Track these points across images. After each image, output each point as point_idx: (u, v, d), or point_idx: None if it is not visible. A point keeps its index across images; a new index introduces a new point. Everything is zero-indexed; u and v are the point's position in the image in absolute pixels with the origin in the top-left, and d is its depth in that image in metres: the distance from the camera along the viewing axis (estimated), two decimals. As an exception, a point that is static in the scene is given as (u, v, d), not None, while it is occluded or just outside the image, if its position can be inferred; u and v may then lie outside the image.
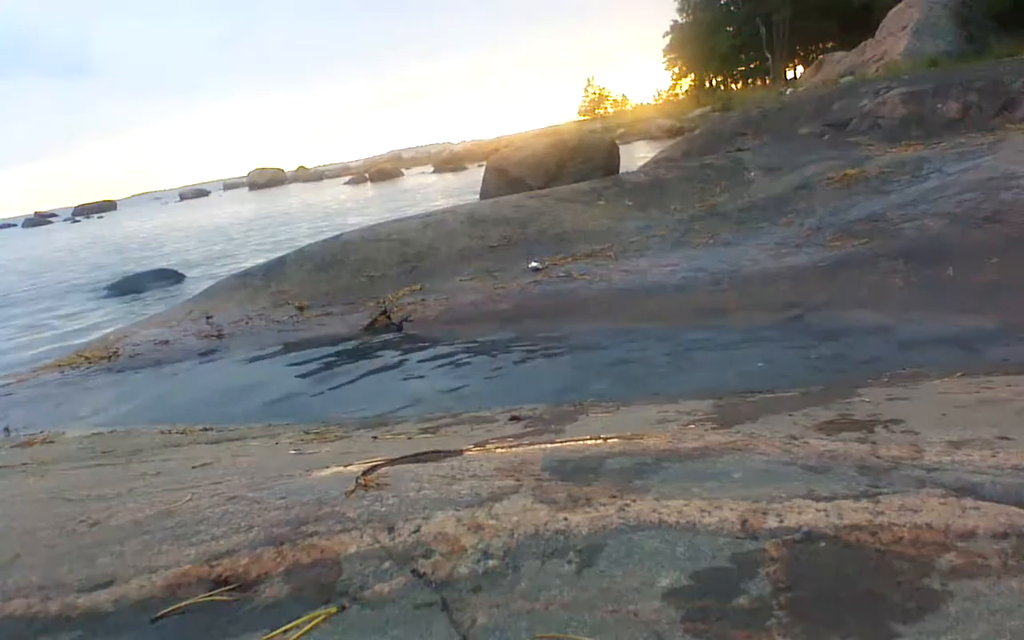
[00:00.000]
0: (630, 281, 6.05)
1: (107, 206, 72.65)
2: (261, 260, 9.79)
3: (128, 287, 12.62)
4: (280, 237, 18.06)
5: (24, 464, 3.21)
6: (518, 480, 1.63)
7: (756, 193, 8.25)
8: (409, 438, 2.97)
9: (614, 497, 1.47)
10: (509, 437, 2.56)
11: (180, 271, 13.72)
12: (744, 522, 1.31)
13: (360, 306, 6.85)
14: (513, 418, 3.21)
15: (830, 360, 4.12)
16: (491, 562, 1.29)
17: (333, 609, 1.22)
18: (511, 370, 4.95)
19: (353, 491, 1.67)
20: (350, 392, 4.89)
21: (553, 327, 5.53)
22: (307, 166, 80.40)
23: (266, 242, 17.43)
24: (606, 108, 71.38)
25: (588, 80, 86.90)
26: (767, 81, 38.71)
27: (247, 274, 8.45)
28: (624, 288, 5.90)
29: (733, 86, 44.40)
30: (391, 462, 1.94)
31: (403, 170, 52.71)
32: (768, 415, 2.43)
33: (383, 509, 1.54)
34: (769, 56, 37.95)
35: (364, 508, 1.56)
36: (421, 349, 5.59)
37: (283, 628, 1.18)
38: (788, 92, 21.69)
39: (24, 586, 1.46)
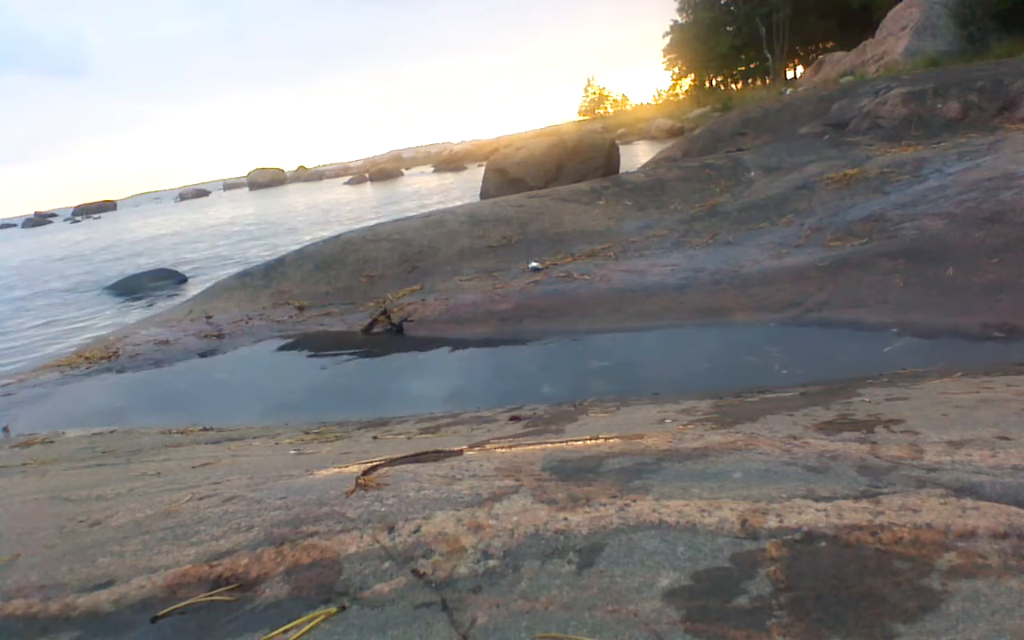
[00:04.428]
0: (630, 281, 6.05)
1: (107, 206, 72.67)
2: (261, 260, 9.79)
3: (128, 287, 12.61)
4: (280, 237, 18.06)
5: (24, 464, 3.21)
6: (518, 480, 1.63)
7: (756, 193, 8.24)
8: (409, 438, 2.97)
9: (614, 497, 1.47)
10: (509, 437, 2.56)
11: (180, 271, 13.71)
12: (744, 522, 1.31)
13: (360, 306, 6.85)
14: (513, 418, 3.21)
15: (830, 359, 4.13)
16: (491, 562, 1.29)
17: (333, 609, 1.22)
18: (511, 370, 4.95)
19: (353, 491, 1.67)
20: (350, 392, 4.89)
21: (553, 327, 5.53)
22: (307, 166, 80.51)
23: (266, 242, 17.43)
24: (606, 108, 71.51)
25: (588, 80, 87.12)
26: (767, 81, 38.72)
27: (247, 274, 8.45)
28: (624, 288, 5.90)
29: (733, 86, 44.40)
30: (391, 462, 1.94)
31: (403, 170, 52.67)
32: (768, 415, 2.43)
33: (383, 509, 1.54)
34: (769, 56, 37.95)
35: (364, 508, 1.56)
36: (421, 349, 5.59)
37: (283, 628, 1.18)
38: (788, 92, 21.70)
39: (24, 586, 1.46)
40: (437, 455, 1.99)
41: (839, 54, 23.26)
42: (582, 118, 67.72)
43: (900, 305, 4.59)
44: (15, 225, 72.28)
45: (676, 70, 52.83)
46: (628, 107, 69.19)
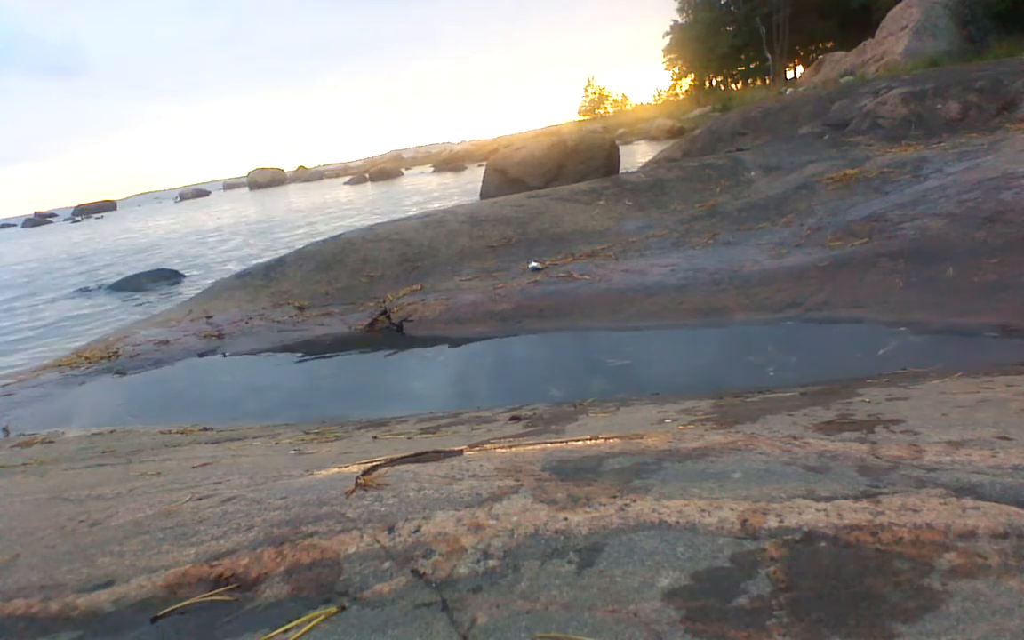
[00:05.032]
0: (630, 281, 6.05)
1: (107, 206, 72.68)
2: (261, 260, 9.79)
3: (128, 287, 12.62)
4: (281, 236, 18.06)
5: (24, 464, 3.20)
6: (518, 480, 1.63)
7: (756, 193, 8.25)
8: (409, 438, 2.97)
9: (614, 497, 1.47)
10: (509, 437, 2.56)
11: (180, 271, 13.72)
12: (744, 522, 1.31)
13: (360, 306, 6.85)
14: (513, 418, 3.21)
15: (830, 359, 4.13)
16: (491, 562, 1.29)
17: (333, 609, 1.22)
18: (511, 370, 4.95)
19: (353, 491, 1.67)
20: (350, 392, 4.89)
21: (553, 327, 5.53)
22: (307, 166, 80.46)
23: (267, 242, 17.43)
24: (606, 108, 71.51)
25: (588, 80, 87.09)
26: (767, 81, 38.70)
27: (247, 274, 8.45)
28: (624, 288, 5.90)
29: (733, 86, 44.37)
30: (391, 462, 1.94)
31: (403, 170, 52.68)
32: (768, 415, 2.43)
33: (383, 509, 1.54)
34: (769, 56, 37.94)
35: (364, 508, 1.56)
36: (421, 349, 5.59)
37: (283, 628, 1.18)
38: (788, 92, 21.69)
39: (24, 586, 1.46)
40: (437, 455, 1.99)
41: (839, 54, 23.26)
42: (582, 118, 67.72)
43: (900, 305, 4.59)
44: (15, 225, 72.29)
45: (676, 70, 52.83)
46: (628, 107, 69.23)
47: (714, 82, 47.72)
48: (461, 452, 2.04)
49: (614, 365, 4.69)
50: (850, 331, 4.49)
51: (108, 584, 1.42)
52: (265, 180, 65.59)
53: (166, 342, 6.40)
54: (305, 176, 71.57)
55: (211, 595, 1.33)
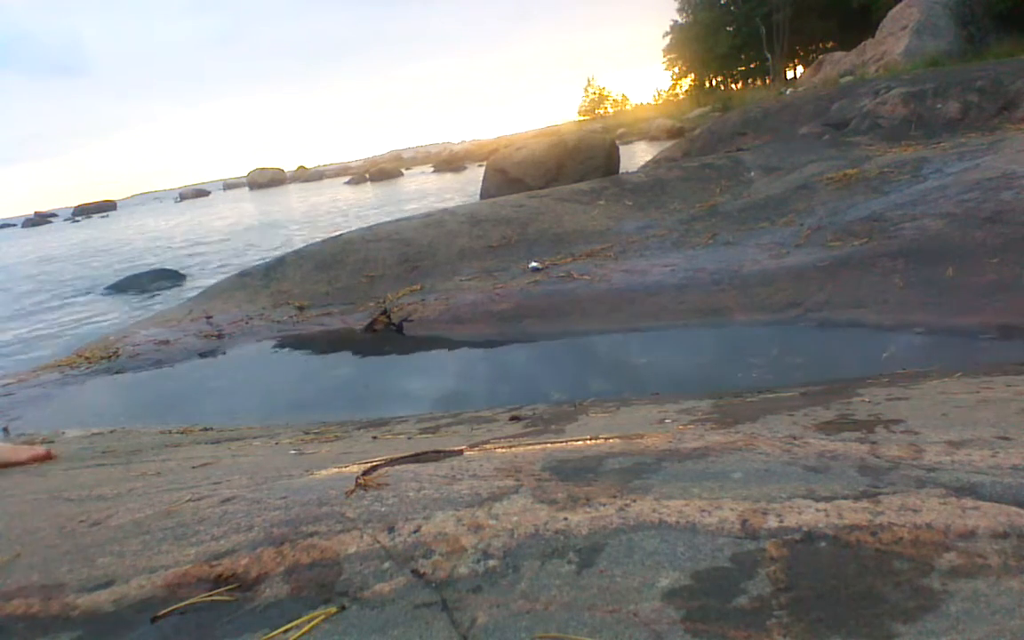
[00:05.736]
0: (630, 281, 6.05)
1: (107, 206, 72.74)
2: (261, 260, 9.79)
3: (128, 287, 12.62)
4: (281, 236, 18.06)
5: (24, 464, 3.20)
6: (518, 480, 1.63)
7: (756, 193, 8.25)
8: (409, 438, 2.97)
9: (614, 497, 1.47)
10: (509, 437, 2.56)
11: (180, 271, 13.72)
12: (744, 522, 1.31)
13: (360, 306, 6.85)
14: (513, 418, 3.21)
15: (830, 359, 4.13)
16: (491, 562, 1.29)
17: (333, 609, 1.22)
18: (511, 370, 4.95)
19: (353, 491, 1.67)
20: (350, 392, 4.89)
21: (553, 327, 5.53)
22: (307, 166, 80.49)
23: (267, 242, 17.43)
24: (606, 108, 71.64)
25: (588, 80, 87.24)
26: (767, 81, 38.71)
27: (247, 274, 8.44)
28: (624, 288, 5.90)
29: (733, 86, 44.39)
30: (391, 462, 1.94)
31: (403, 170, 52.70)
32: (768, 415, 2.43)
33: (383, 509, 1.54)
34: (769, 56, 37.95)
35: (364, 508, 1.56)
36: (421, 349, 5.59)
37: (283, 628, 1.18)
38: (788, 92, 21.67)
39: (24, 586, 1.46)
40: (437, 455, 1.99)
41: (839, 54, 23.25)
42: (582, 118, 67.83)
43: (900, 305, 4.59)
44: (15, 225, 72.31)
45: (676, 70, 52.89)
46: (628, 107, 69.33)
47: (714, 82, 47.74)
48: (461, 452, 2.04)
49: (614, 365, 4.69)
50: (850, 331, 4.49)
51: (108, 584, 1.42)
52: (265, 180, 65.62)
53: (166, 342, 6.40)
54: (305, 176, 71.57)
55: (211, 595, 1.33)
